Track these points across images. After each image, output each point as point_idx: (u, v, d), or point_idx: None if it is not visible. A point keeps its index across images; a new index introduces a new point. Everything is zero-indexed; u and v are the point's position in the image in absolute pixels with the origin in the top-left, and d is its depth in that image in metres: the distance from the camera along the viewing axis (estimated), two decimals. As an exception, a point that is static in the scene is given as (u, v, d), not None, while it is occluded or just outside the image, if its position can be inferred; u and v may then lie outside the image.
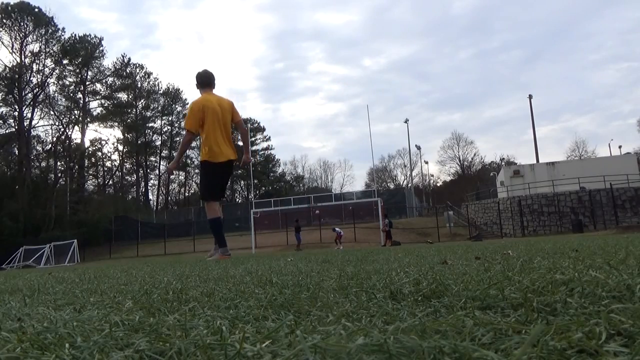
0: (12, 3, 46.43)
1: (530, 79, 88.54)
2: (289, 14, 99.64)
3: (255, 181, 61.50)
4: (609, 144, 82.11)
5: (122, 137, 58.69)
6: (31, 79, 48.34)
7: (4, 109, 47.47)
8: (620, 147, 53.80)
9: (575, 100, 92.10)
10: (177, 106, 62.99)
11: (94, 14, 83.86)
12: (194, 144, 55.40)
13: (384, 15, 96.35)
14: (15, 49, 46.90)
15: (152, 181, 63.40)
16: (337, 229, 26.72)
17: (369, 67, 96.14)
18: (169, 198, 65.39)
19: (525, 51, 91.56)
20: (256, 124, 66.72)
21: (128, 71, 57.93)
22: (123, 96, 58.30)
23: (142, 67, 59.58)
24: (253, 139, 63.91)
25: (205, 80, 6.39)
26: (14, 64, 46.84)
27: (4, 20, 46.21)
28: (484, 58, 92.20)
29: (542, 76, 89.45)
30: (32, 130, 49.52)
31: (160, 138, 63.25)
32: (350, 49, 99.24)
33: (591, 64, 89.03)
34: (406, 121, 51.39)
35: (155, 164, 63.03)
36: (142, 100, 60.43)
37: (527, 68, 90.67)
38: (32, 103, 48.39)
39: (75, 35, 51.39)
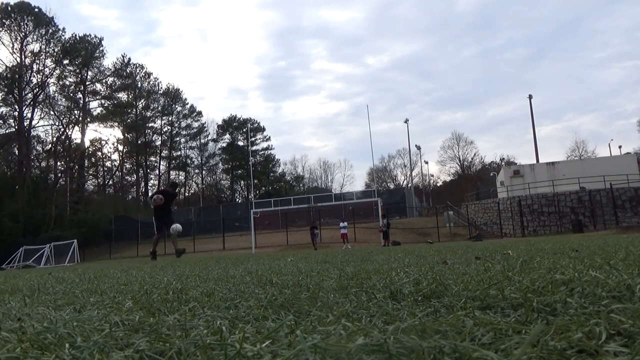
0: (12, 3, 46.50)
1: (534, 77, 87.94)
2: (292, 11, 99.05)
3: (255, 181, 61.49)
4: (609, 144, 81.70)
5: (122, 137, 58.73)
6: (31, 79, 48.37)
7: (4, 109, 47.49)
8: (620, 147, 53.78)
9: (578, 99, 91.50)
10: (177, 106, 63.05)
11: (94, 10, 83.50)
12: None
13: (387, 12, 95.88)
14: (16, 49, 46.94)
15: (152, 181, 63.46)
16: (342, 223, 26.59)
17: (372, 65, 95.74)
18: (169, 198, 65.34)
19: (529, 49, 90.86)
20: (256, 124, 66.73)
21: (128, 71, 57.96)
22: (123, 96, 58.32)
23: (142, 67, 59.66)
24: (253, 138, 63.96)
25: None
26: (14, 64, 46.88)
27: (4, 20, 46.21)
28: (488, 56, 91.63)
29: (546, 75, 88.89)
30: (32, 130, 49.56)
31: (160, 138, 63.27)
32: (354, 47, 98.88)
33: (596, 62, 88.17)
34: (406, 121, 51.43)
35: (155, 164, 63.08)
36: (142, 100, 60.45)
37: (531, 66, 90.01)
38: (32, 103, 48.40)
39: (75, 35, 51.44)
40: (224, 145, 66.65)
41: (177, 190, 13.63)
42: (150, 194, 10.91)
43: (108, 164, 60.28)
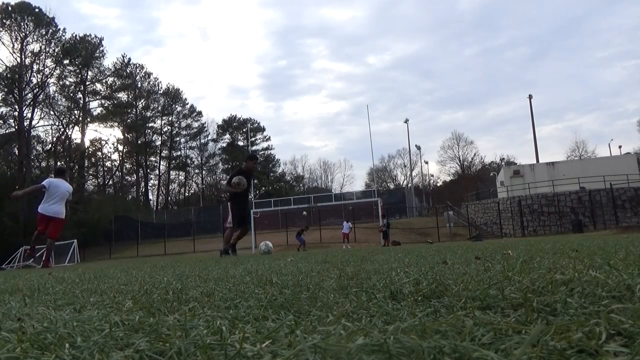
0: (12, 3, 46.49)
1: (535, 77, 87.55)
2: (293, 10, 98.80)
3: (255, 181, 61.50)
4: (609, 144, 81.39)
5: (122, 137, 58.74)
6: (31, 79, 48.36)
7: (4, 109, 47.50)
8: (620, 147, 53.79)
9: (580, 98, 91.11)
10: (177, 106, 63.05)
11: (95, 9, 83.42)
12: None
13: (389, 12, 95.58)
14: (16, 49, 46.93)
15: (152, 181, 63.46)
16: (345, 223, 26.66)
17: (373, 65, 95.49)
18: (169, 198, 65.42)
19: (531, 48, 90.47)
20: (256, 124, 66.73)
21: (128, 71, 57.98)
22: (123, 96, 58.35)
23: (142, 67, 59.70)
24: (253, 138, 63.94)
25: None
26: (14, 64, 46.87)
27: (4, 20, 46.22)
28: (489, 55, 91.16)
29: (548, 74, 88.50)
30: (32, 130, 49.55)
31: (160, 138, 63.27)
32: (355, 46, 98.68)
33: (598, 61, 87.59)
34: (406, 121, 51.44)
35: (155, 164, 63.08)
36: (142, 100, 60.47)
37: (533, 66, 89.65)
38: (32, 103, 48.38)
39: (75, 35, 51.46)
40: (224, 145, 66.68)
41: (256, 164, 10.39)
42: (228, 177, 7.48)
43: (108, 164, 60.35)
